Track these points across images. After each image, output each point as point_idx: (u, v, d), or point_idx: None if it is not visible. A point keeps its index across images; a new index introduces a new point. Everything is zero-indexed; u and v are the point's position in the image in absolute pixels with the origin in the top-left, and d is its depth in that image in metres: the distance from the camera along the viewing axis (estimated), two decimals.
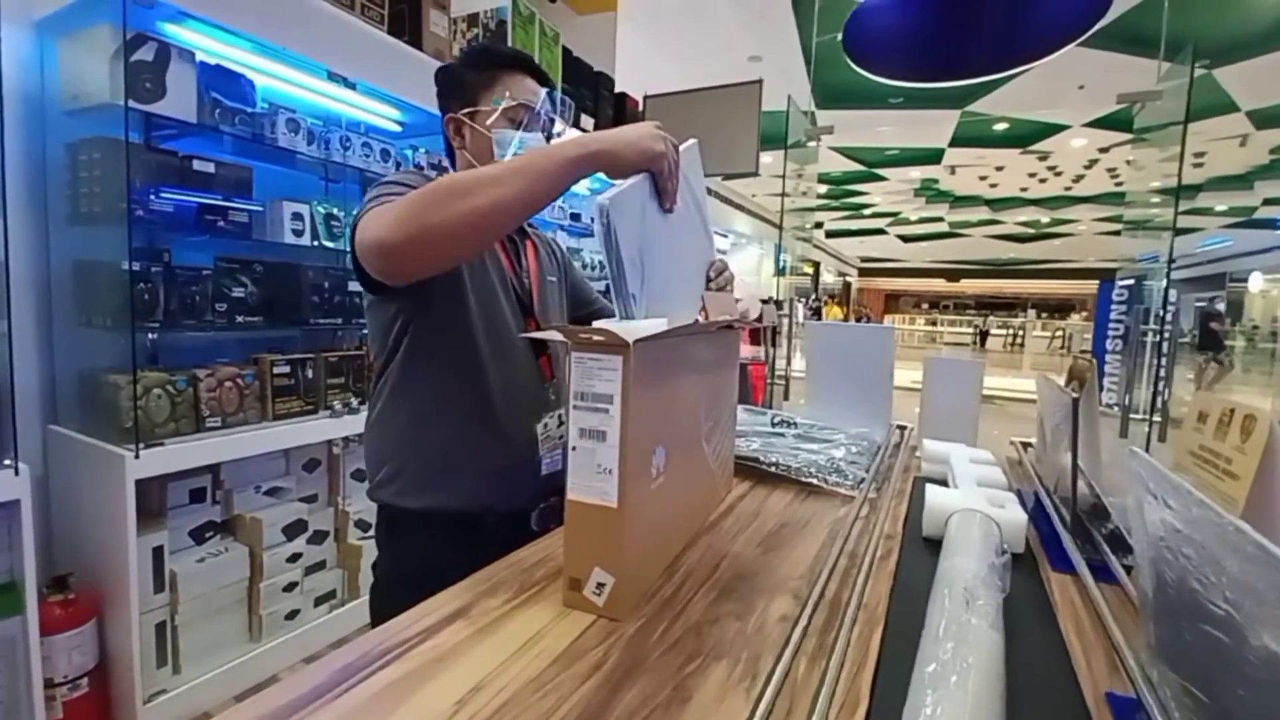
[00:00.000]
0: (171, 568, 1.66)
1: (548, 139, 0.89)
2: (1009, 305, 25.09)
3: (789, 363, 4.79)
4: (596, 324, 0.55)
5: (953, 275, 24.35)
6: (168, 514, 1.69)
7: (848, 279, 22.28)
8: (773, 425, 1.27)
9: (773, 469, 1.06)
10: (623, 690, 0.49)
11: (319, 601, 2.05)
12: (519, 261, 0.95)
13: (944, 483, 0.96)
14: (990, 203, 11.78)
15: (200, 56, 1.65)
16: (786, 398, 4.58)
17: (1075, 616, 0.64)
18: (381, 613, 0.79)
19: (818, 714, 0.45)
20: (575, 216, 3.75)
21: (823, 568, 0.73)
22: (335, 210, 2.06)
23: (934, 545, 0.78)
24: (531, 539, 0.80)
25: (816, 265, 13.83)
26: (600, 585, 0.57)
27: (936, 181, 10.11)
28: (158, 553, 1.62)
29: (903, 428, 1.35)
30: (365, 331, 2.24)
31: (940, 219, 13.80)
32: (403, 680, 0.50)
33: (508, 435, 0.88)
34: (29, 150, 1.61)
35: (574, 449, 0.57)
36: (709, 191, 1.15)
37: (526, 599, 0.64)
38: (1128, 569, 0.71)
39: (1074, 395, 0.75)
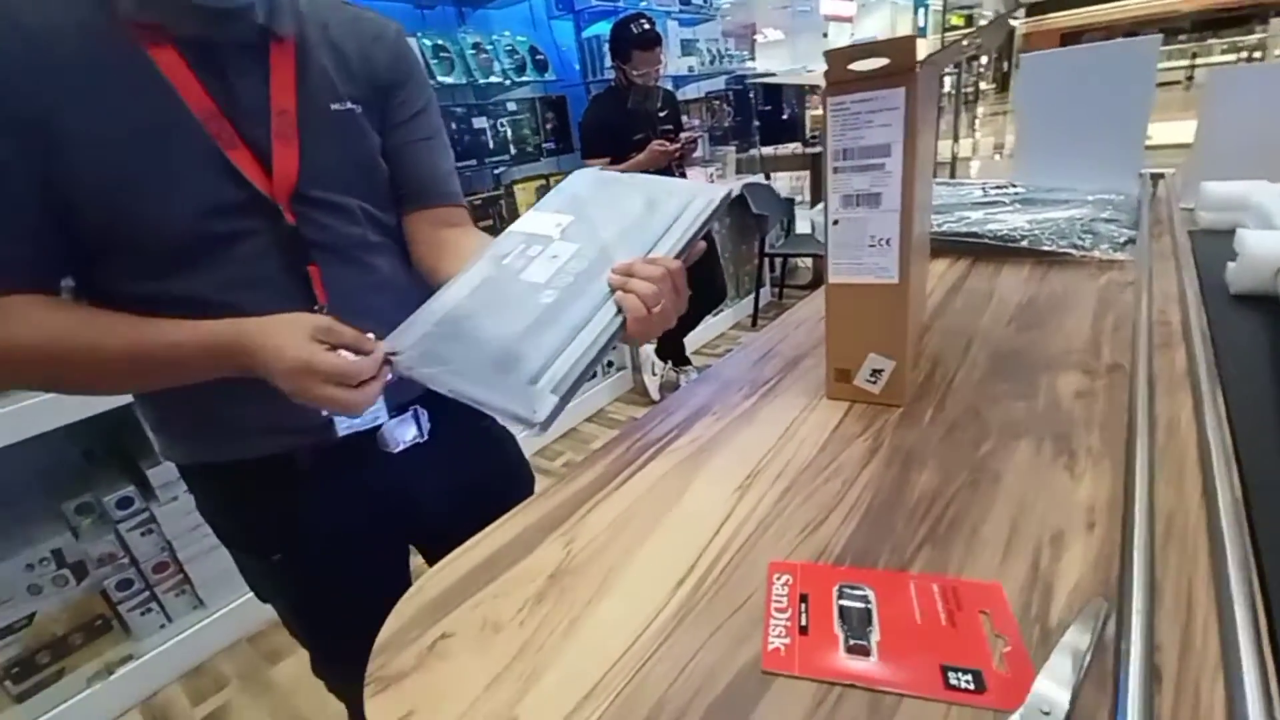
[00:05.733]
0: None
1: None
2: (1241, 19, 18.93)
3: (955, 139, 4.11)
4: (852, 45, 0.42)
5: None
6: None
7: (1010, 21, 17.90)
8: (985, 193, 1.07)
9: (999, 242, 0.91)
10: (913, 472, 0.46)
11: None
12: (246, 89, 0.52)
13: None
14: None
15: None
16: (953, 175, 4.01)
17: None
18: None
19: (1196, 484, 0.38)
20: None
21: (1109, 338, 0.62)
22: (441, 41, 1.91)
23: (1253, 304, 0.63)
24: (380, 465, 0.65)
25: (969, 16, 11.13)
26: (876, 372, 0.52)
27: None
28: None
29: (1158, 175, 1.08)
30: (499, 171, 2.19)
31: None
32: (674, 472, 0.50)
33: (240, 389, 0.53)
34: None
35: (835, 223, 0.48)
36: None
37: (765, 392, 0.61)
38: None
39: None
